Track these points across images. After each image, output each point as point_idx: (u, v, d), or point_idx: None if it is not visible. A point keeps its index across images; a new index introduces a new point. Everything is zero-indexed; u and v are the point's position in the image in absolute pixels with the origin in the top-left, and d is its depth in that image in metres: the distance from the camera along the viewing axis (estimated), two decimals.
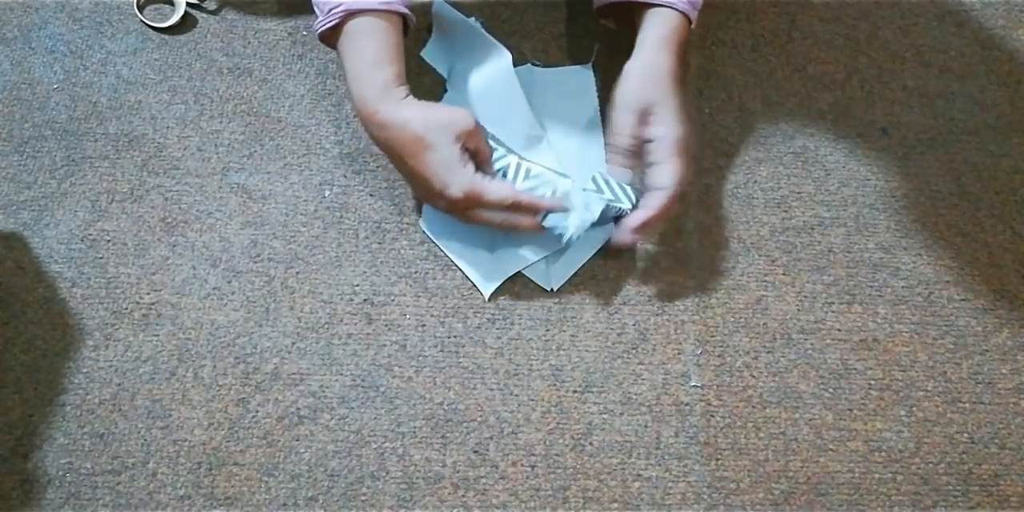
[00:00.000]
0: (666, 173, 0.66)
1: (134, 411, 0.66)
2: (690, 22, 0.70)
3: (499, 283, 0.71)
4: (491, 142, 0.70)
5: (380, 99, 0.64)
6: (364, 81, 0.64)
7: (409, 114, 0.64)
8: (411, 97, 0.65)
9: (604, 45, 0.79)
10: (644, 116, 0.67)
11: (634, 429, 0.68)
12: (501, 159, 0.70)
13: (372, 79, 0.64)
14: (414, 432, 0.67)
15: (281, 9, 0.81)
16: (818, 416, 0.69)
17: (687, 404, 0.69)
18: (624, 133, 0.67)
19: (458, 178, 0.63)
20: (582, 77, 0.79)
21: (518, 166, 0.70)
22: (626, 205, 0.68)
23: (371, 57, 0.64)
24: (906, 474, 0.68)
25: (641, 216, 0.67)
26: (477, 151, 0.66)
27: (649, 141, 0.67)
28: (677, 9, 0.69)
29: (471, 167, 0.64)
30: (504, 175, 0.69)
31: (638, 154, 0.68)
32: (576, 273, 0.72)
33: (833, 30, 0.84)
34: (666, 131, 0.66)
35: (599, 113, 0.77)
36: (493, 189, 0.64)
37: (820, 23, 0.84)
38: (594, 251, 0.73)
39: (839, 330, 0.72)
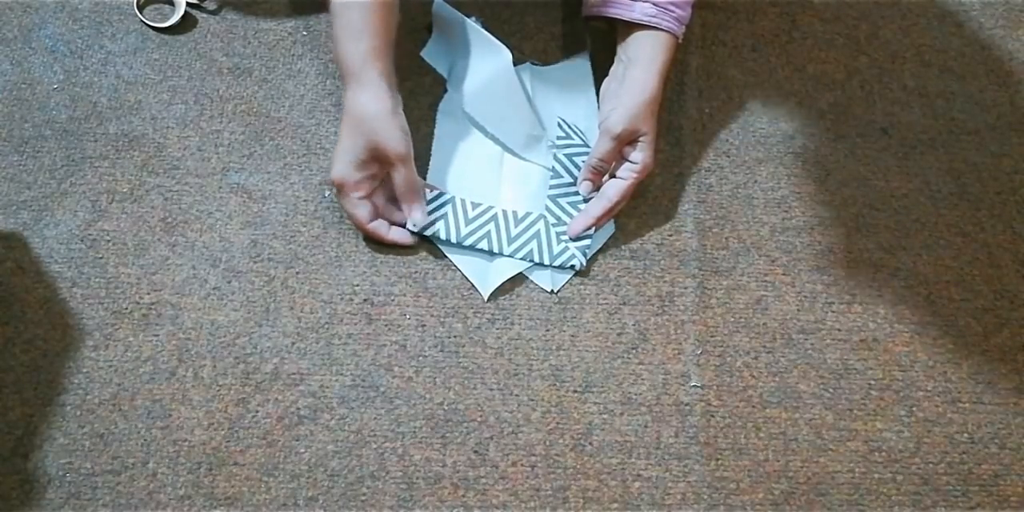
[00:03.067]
0: (617, 187, 0.71)
1: (134, 411, 0.66)
2: (677, 40, 0.71)
3: (499, 284, 0.71)
4: (471, 205, 0.73)
5: (355, 71, 0.67)
6: (345, 50, 0.67)
7: (366, 100, 0.67)
8: (384, 77, 0.68)
9: (599, 36, 0.79)
10: (628, 141, 0.71)
11: (634, 429, 0.68)
12: (442, 206, 0.72)
13: (352, 50, 0.67)
14: (414, 432, 0.67)
15: (281, 9, 0.81)
16: (818, 416, 0.69)
17: (687, 404, 0.69)
18: (606, 159, 0.71)
19: (342, 169, 0.68)
20: (579, 69, 0.79)
21: (462, 204, 0.73)
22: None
23: (353, 28, 0.67)
24: (906, 474, 0.68)
25: (583, 222, 0.72)
26: (394, 182, 0.70)
27: (626, 160, 0.72)
28: (667, 30, 0.70)
29: (362, 172, 0.68)
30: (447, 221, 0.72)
31: (608, 172, 0.73)
32: (576, 273, 0.72)
33: (833, 30, 0.84)
34: (643, 157, 0.71)
35: (596, 104, 0.77)
36: (351, 207, 0.69)
37: (820, 23, 0.84)
38: (593, 252, 0.73)
39: (839, 330, 0.72)
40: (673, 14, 0.70)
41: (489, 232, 0.72)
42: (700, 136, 0.78)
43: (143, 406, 0.67)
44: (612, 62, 0.75)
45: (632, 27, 0.71)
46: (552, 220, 0.73)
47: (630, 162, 0.71)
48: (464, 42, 0.77)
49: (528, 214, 0.73)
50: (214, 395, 0.67)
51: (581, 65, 0.80)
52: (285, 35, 0.80)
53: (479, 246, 0.71)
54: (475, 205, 0.73)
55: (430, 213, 0.72)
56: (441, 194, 0.73)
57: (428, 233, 0.71)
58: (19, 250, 0.71)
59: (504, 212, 0.73)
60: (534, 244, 0.71)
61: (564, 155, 0.73)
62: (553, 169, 0.73)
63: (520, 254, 0.71)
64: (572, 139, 0.74)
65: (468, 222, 0.72)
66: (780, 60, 0.82)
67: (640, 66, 0.71)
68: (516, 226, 0.72)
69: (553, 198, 0.73)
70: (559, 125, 0.75)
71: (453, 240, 0.71)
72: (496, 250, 0.71)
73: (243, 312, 0.70)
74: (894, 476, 0.67)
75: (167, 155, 0.75)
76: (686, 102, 0.79)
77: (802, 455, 0.68)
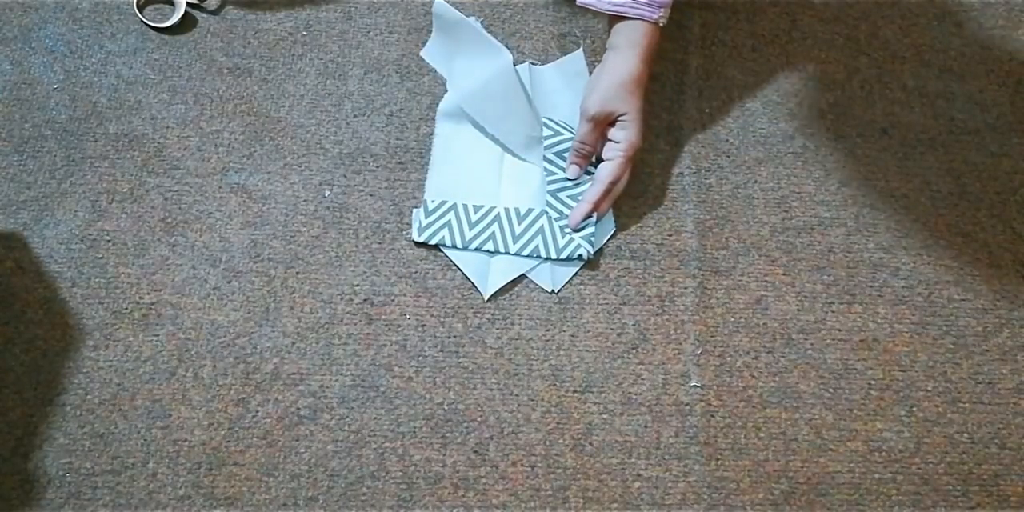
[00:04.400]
0: (607, 168, 0.71)
1: (134, 411, 0.66)
2: (656, 25, 0.71)
3: (500, 285, 0.71)
4: (472, 208, 0.73)
5: None
6: None
7: None
8: None
9: (597, 34, 0.79)
10: (610, 121, 0.71)
11: (634, 429, 0.68)
12: (445, 213, 0.73)
13: None
14: (414, 432, 0.67)
15: (281, 9, 0.81)
16: (818, 416, 0.69)
17: (687, 404, 0.69)
18: (586, 141, 0.72)
19: None
20: (575, 66, 0.79)
21: (464, 209, 0.73)
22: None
23: None
24: (906, 474, 0.68)
25: (581, 209, 0.72)
26: None
27: (610, 140, 0.72)
28: (639, 18, 0.70)
29: None
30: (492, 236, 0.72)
31: (593, 154, 0.74)
32: (576, 273, 0.72)
33: (833, 30, 0.84)
34: (626, 135, 0.71)
35: None
36: None
37: (820, 23, 0.84)
38: (598, 246, 0.73)
39: (839, 330, 0.72)
40: (643, 0, 0.70)
41: (493, 233, 0.72)
42: (700, 136, 0.78)
43: (143, 406, 0.67)
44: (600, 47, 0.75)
45: (613, 18, 0.71)
46: (555, 214, 0.73)
47: (613, 141, 0.71)
48: (464, 42, 0.77)
49: (530, 210, 0.73)
50: (214, 395, 0.67)
51: (577, 62, 0.80)
52: (285, 35, 0.80)
53: (485, 248, 0.71)
54: (477, 208, 0.73)
55: (433, 222, 0.72)
56: (444, 202, 0.73)
57: (433, 241, 0.71)
58: (19, 250, 0.71)
59: (506, 210, 0.73)
60: (539, 239, 0.72)
61: (554, 153, 0.74)
62: (546, 168, 0.74)
63: (527, 251, 0.71)
64: (561, 135, 0.74)
65: (472, 226, 0.72)
66: (780, 60, 0.82)
67: (619, 52, 0.71)
68: (519, 223, 0.73)
69: (552, 192, 0.73)
70: (545, 125, 0.75)
71: (459, 245, 0.71)
72: (502, 249, 0.71)
73: (243, 312, 0.70)
74: (894, 476, 0.67)
75: (167, 155, 0.75)
76: (686, 102, 0.79)
77: (802, 455, 0.68)
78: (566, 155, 0.74)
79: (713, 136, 0.78)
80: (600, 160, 0.73)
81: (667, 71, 0.80)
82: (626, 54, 0.71)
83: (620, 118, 0.71)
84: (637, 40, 0.71)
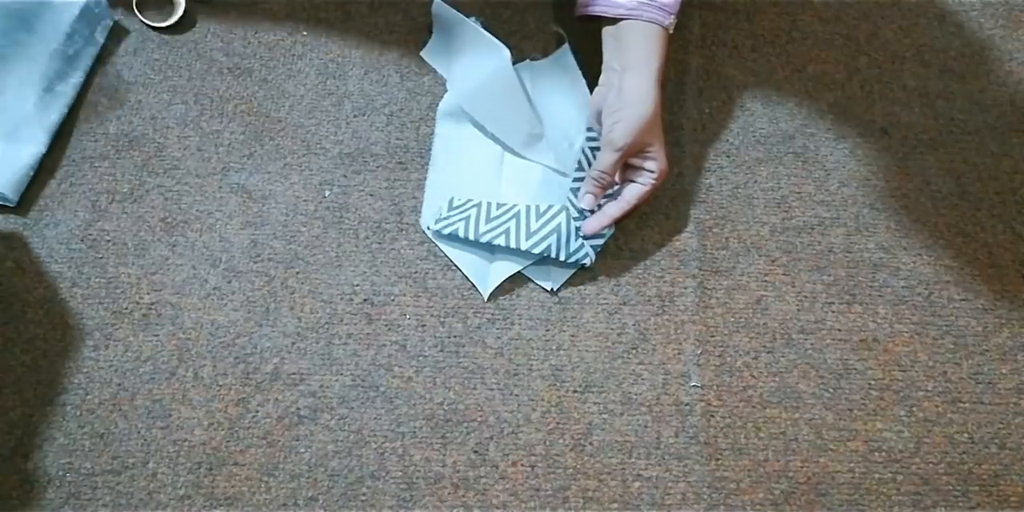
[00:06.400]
0: (637, 192, 0.70)
1: (134, 411, 0.66)
2: (667, 31, 0.69)
3: (498, 283, 0.71)
4: (495, 206, 0.73)
5: None
6: None
7: None
8: None
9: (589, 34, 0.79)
10: (634, 153, 0.69)
11: (634, 429, 0.68)
12: (467, 209, 0.72)
13: None
14: (414, 432, 0.67)
15: (281, 9, 0.81)
16: (818, 416, 0.69)
17: (687, 404, 0.69)
18: (608, 171, 0.69)
19: None
20: (565, 61, 0.79)
21: (487, 206, 0.73)
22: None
23: None
24: (906, 474, 0.68)
25: (601, 222, 0.70)
26: None
27: (641, 169, 0.70)
28: (651, 21, 0.68)
29: None
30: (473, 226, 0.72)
31: (611, 185, 0.71)
32: (576, 273, 0.72)
33: (833, 30, 0.84)
34: (659, 166, 0.69)
35: (588, 93, 0.76)
36: None
37: (820, 23, 0.84)
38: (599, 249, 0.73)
39: (839, 330, 0.72)
40: (656, 3, 0.68)
41: (508, 228, 0.71)
42: (700, 136, 0.78)
43: (143, 406, 0.67)
44: (596, 50, 0.72)
45: (618, 23, 0.69)
46: (574, 213, 0.72)
47: (647, 170, 0.70)
48: (464, 42, 0.77)
49: (550, 208, 0.72)
50: (214, 395, 0.67)
51: (565, 57, 0.79)
52: (285, 35, 0.80)
53: (496, 242, 0.71)
54: (500, 205, 0.72)
55: (452, 216, 0.72)
56: (469, 200, 0.73)
57: (447, 231, 0.71)
58: (19, 250, 0.71)
59: (528, 207, 0.72)
60: (553, 238, 0.70)
61: (590, 148, 0.73)
62: (579, 163, 0.73)
63: (538, 249, 0.70)
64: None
65: (489, 220, 0.71)
66: (780, 60, 0.82)
67: (634, 73, 0.68)
68: (537, 220, 0.71)
69: (575, 191, 0.72)
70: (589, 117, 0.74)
71: (471, 237, 0.71)
72: (513, 245, 0.70)
73: (243, 312, 0.70)
74: (894, 476, 0.67)
75: (167, 155, 0.75)
76: (686, 102, 0.79)
77: (802, 455, 0.68)
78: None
79: (713, 136, 0.78)
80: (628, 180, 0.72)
81: (667, 71, 0.80)
82: (643, 77, 0.68)
83: (649, 149, 0.69)
84: (650, 54, 0.68)
